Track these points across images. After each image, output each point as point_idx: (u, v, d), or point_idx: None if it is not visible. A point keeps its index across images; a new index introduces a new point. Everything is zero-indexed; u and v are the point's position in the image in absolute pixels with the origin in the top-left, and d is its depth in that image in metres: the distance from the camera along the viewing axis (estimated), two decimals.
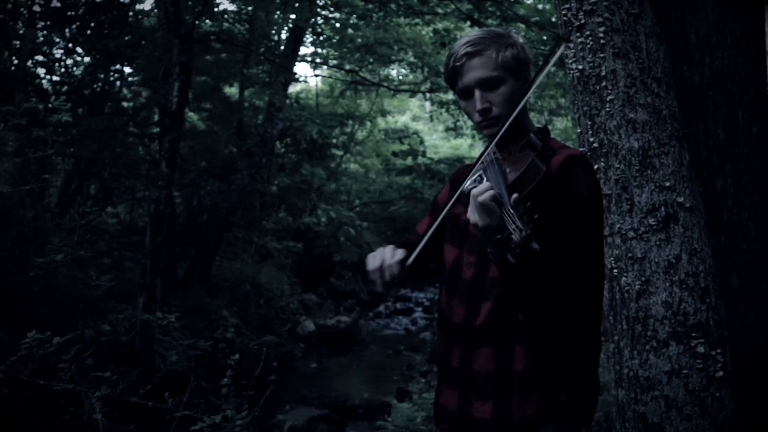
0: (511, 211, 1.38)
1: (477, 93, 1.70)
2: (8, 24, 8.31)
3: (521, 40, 1.76)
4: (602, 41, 2.53)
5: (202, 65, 10.18)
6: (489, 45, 1.70)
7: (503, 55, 1.69)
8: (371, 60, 12.37)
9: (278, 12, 10.88)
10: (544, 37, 8.33)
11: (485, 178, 1.55)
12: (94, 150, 8.30)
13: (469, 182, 1.63)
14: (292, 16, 10.78)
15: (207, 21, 10.39)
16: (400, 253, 1.77)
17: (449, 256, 1.80)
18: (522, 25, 8.22)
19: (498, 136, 1.64)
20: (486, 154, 1.63)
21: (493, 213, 1.41)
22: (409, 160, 15.01)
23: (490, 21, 8.09)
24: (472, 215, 1.45)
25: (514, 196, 1.39)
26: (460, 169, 2.01)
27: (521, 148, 1.66)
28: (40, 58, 9.00)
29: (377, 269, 1.78)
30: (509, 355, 1.63)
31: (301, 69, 29.57)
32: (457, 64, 1.71)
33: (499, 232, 1.40)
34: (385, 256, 1.78)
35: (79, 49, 9.22)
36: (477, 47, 1.69)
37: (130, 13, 9.31)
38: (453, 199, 1.67)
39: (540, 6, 9.76)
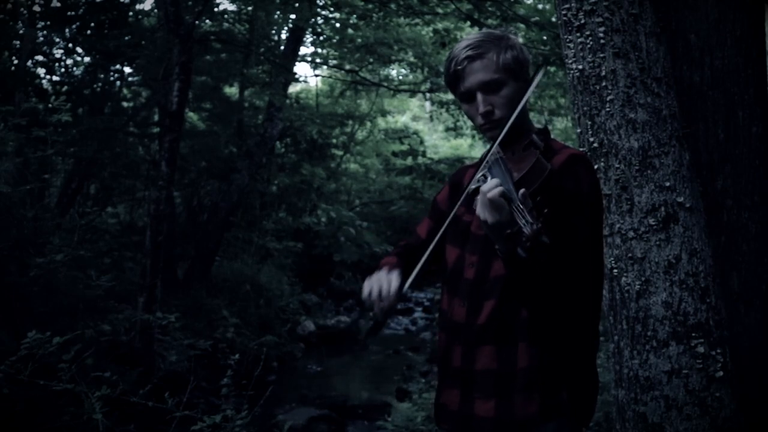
0: (521, 206, 1.39)
1: (479, 96, 1.70)
2: (8, 24, 8.30)
3: (520, 40, 1.76)
4: (602, 41, 2.53)
5: (202, 65, 10.18)
6: (489, 48, 1.70)
7: (504, 57, 1.69)
8: (371, 60, 12.37)
9: (278, 12, 10.88)
10: (544, 37, 8.33)
11: (490, 177, 1.56)
12: (94, 150, 8.29)
13: (473, 185, 1.63)
14: (292, 16, 10.78)
15: (207, 21, 10.38)
16: (395, 280, 1.73)
17: (450, 257, 1.80)
18: (522, 25, 8.22)
19: (501, 135, 1.64)
20: (490, 154, 1.63)
21: (503, 209, 1.43)
22: (409, 160, 15.00)
23: (490, 21, 8.09)
24: (482, 212, 1.47)
25: (522, 190, 1.41)
26: (459, 169, 2.00)
27: (525, 147, 1.67)
28: (40, 58, 9.00)
29: (375, 298, 1.73)
30: (512, 354, 1.64)
31: (301, 69, 29.62)
32: (459, 67, 1.71)
33: (509, 227, 1.42)
34: (382, 284, 1.73)
35: (79, 49, 9.22)
36: (478, 50, 1.69)
37: (130, 13, 9.30)
38: (457, 205, 1.66)
39: (540, 6, 9.76)
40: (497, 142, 1.64)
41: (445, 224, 1.68)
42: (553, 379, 1.63)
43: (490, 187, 1.45)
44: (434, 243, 1.68)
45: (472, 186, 1.62)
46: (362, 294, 1.77)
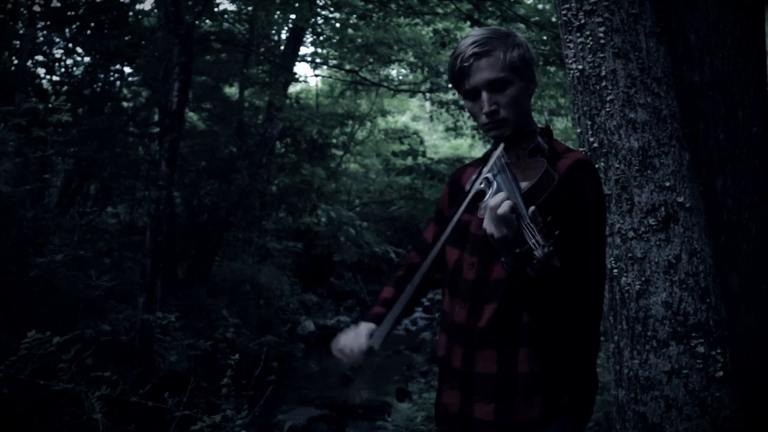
0: (531, 225, 1.34)
1: (484, 94, 1.68)
2: (8, 24, 8.31)
3: (524, 39, 1.74)
4: (602, 41, 2.53)
5: (202, 65, 10.18)
6: (496, 45, 1.68)
7: (510, 55, 1.67)
8: (371, 60, 12.36)
9: (278, 12, 10.88)
10: (544, 37, 8.33)
11: (496, 185, 1.52)
12: (94, 150, 8.30)
13: (477, 184, 1.60)
14: (292, 16, 10.79)
15: (207, 21, 10.39)
16: (364, 338, 1.75)
17: (451, 258, 1.79)
18: (522, 25, 8.22)
19: (501, 146, 1.62)
20: (496, 158, 1.61)
21: (511, 225, 1.38)
22: (409, 160, 14.99)
23: (490, 21, 8.09)
24: (489, 226, 1.43)
25: (532, 208, 1.36)
26: (458, 169, 1.98)
27: (530, 153, 1.64)
28: (40, 58, 9.00)
29: (343, 355, 1.76)
30: (513, 357, 1.63)
31: (301, 69, 29.58)
32: (465, 64, 1.68)
33: (517, 244, 1.36)
34: (348, 344, 1.76)
35: (79, 49, 9.22)
36: (485, 47, 1.67)
37: (130, 13, 9.31)
38: (459, 212, 1.63)
39: (540, 6, 9.76)
40: (499, 149, 1.62)
41: (443, 237, 1.64)
42: (555, 382, 1.62)
43: (499, 201, 1.40)
44: (415, 286, 1.66)
45: (476, 187, 1.60)
46: (332, 348, 1.80)
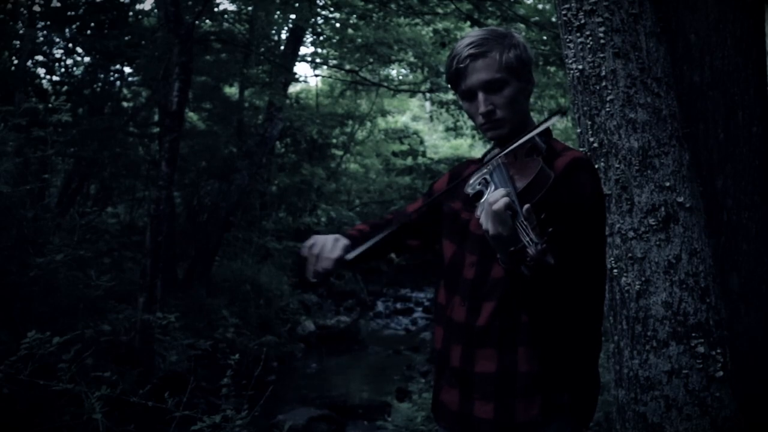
0: (525, 223, 1.34)
1: (481, 95, 1.68)
2: (8, 24, 8.31)
3: (522, 39, 1.75)
4: (602, 41, 2.53)
5: (202, 65, 10.17)
6: (492, 46, 1.68)
7: (507, 56, 1.67)
8: (371, 60, 12.36)
9: (278, 12, 10.88)
10: (544, 37, 8.34)
11: (492, 184, 1.53)
12: (94, 150, 8.30)
13: (472, 183, 1.61)
14: (292, 16, 10.79)
15: (207, 21, 10.39)
16: (341, 247, 1.76)
17: (447, 251, 1.80)
18: (522, 25, 8.23)
19: (510, 148, 1.63)
20: (493, 158, 1.61)
21: (506, 223, 1.39)
22: (409, 160, 14.99)
23: (490, 21, 8.09)
24: (485, 222, 1.43)
25: (527, 206, 1.36)
26: (462, 163, 2.00)
27: (527, 153, 1.64)
28: (40, 58, 8.99)
29: (313, 256, 1.75)
30: (512, 357, 1.63)
31: (301, 69, 29.54)
32: (461, 65, 1.68)
33: (512, 242, 1.37)
34: (325, 246, 1.76)
35: (79, 49, 9.22)
36: (480, 48, 1.67)
37: (130, 13, 9.31)
38: (440, 193, 1.72)
39: (540, 6, 9.76)
40: (505, 152, 1.62)
41: (422, 207, 1.79)
42: (556, 381, 1.62)
43: (496, 198, 1.41)
44: (393, 228, 1.79)
45: (475, 188, 1.61)
46: (302, 247, 1.79)
